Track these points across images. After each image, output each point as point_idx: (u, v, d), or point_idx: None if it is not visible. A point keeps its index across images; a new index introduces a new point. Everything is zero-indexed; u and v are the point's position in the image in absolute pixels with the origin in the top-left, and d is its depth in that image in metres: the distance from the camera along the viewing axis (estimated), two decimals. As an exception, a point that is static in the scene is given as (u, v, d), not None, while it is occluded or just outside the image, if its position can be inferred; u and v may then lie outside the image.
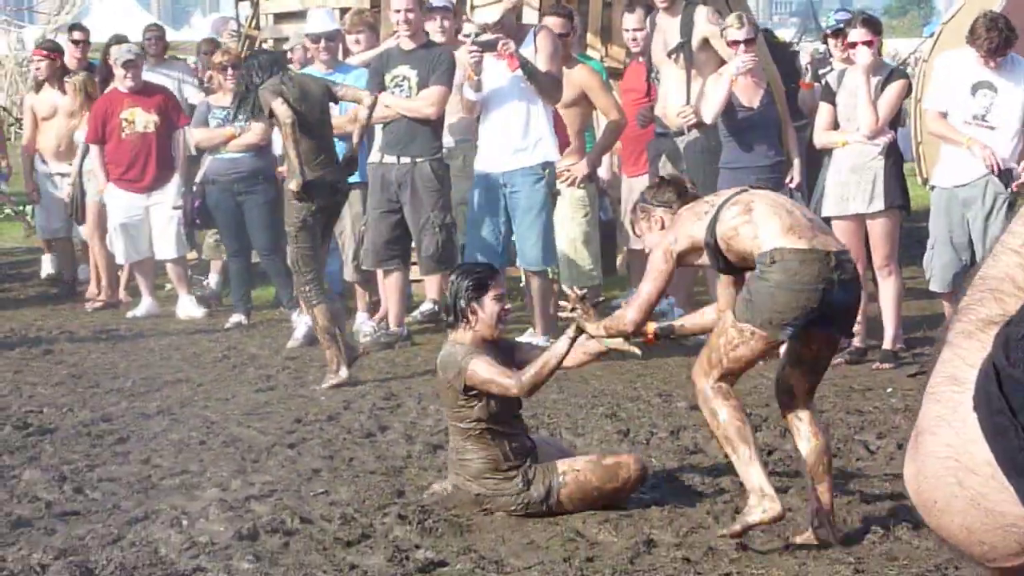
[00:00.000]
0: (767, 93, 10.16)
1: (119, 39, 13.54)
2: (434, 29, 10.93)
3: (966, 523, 1.25)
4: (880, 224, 9.81)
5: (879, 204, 9.73)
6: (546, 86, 10.00)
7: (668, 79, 10.77)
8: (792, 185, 10.26)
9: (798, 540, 6.08)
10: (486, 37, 9.97)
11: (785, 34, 21.13)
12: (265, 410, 8.95)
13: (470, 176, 10.60)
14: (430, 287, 10.80)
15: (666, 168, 10.79)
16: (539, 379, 6.51)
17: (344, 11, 12.47)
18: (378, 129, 10.88)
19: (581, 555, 5.99)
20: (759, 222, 6.00)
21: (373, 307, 11.46)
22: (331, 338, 9.70)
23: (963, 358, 1.27)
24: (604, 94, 10.75)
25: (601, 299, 10.21)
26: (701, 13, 10.55)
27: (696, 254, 6.25)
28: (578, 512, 6.58)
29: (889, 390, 9.11)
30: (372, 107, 9.86)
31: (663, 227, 6.41)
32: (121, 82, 12.54)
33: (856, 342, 10.00)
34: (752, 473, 6.01)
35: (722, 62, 10.23)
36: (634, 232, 6.96)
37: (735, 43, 9.96)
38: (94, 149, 12.69)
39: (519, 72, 9.88)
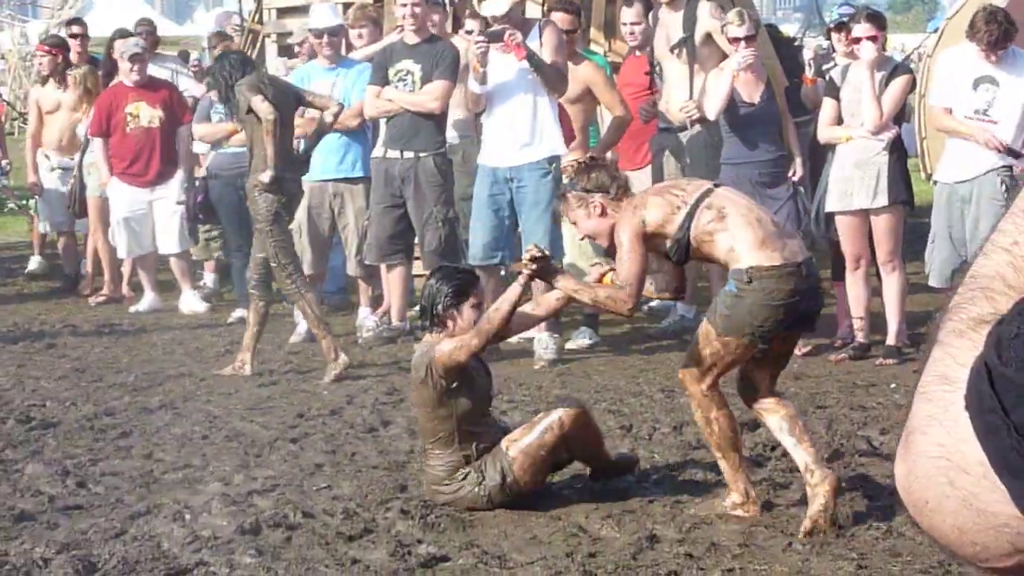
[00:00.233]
0: (767, 88, 10.14)
1: (123, 33, 13.56)
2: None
3: (958, 523, 1.24)
4: (884, 220, 9.80)
5: (883, 200, 9.72)
6: (552, 78, 9.98)
7: (671, 74, 10.77)
8: (795, 179, 10.25)
9: (806, 526, 6.21)
10: (492, 28, 9.96)
11: (789, 29, 21.10)
12: (268, 405, 8.95)
13: (471, 172, 10.58)
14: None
15: (669, 163, 10.79)
16: (493, 325, 6.49)
17: (347, 6, 12.46)
18: (382, 124, 10.88)
19: (584, 550, 5.99)
20: (735, 233, 6.33)
21: (376, 302, 11.45)
22: (325, 326, 9.72)
23: (954, 357, 1.26)
24: (609, 90, 10.73)
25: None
26: (704, 8, 10.53)
27: (658, 241, 6.45)
28: (540, 486, 6.68)
29: (893, 386, 9.11)
30: (336, 115, 10.09)
31: (603, 212, 6.51)
32: (127, 76, 12.54)
33: (860, 338, 10.01)
34: (739, 478, 6.48)
35: (724, 57, 10.22)
36: (568, 219, 6.98)
37: (736, 40, 9.95)
38: (97, 143, 12.69)
39: (525, 65, 9.86)
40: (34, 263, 14.66)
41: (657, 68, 11.10)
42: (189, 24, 44.85)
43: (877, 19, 10.02)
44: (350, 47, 11.78)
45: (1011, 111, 9.52)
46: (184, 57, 17.18)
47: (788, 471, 7.04)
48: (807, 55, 14.26)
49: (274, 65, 13.73)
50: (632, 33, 11.37)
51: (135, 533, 6.25)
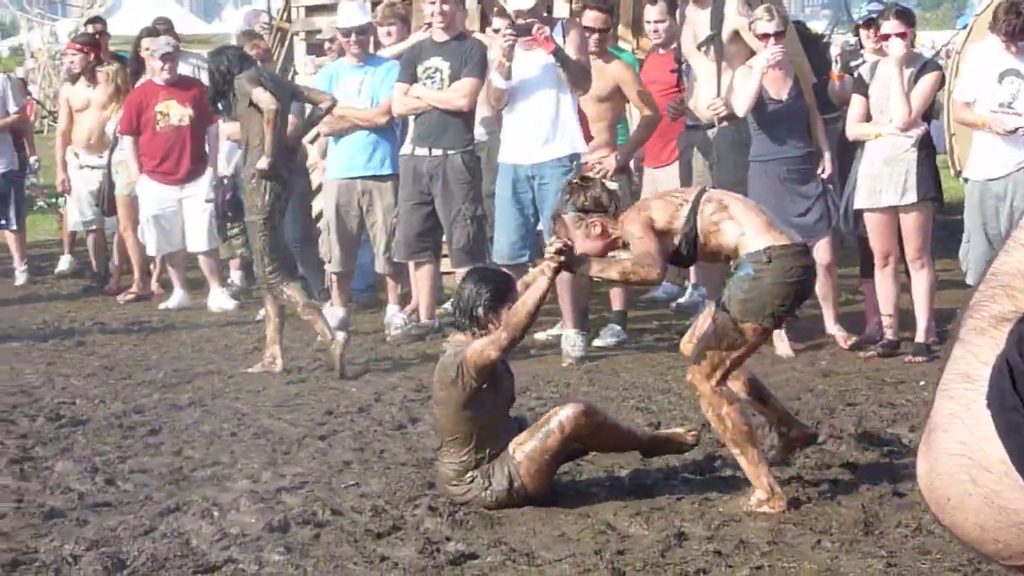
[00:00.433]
0: (795, 85, 10.11)
1: (150, 31, 13.60)
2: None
3: (980, 521, 1.24)
4: (913, 217, 9.78)
5: (912, 196, 9.69)
6: (577, 74, 9.98)
7: (698, 71, 10.75)
8: (824, 176, 10.22)
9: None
10: (520, 22, 9.96)
11: (817, 26, 21.03)
12: (296, 402, 8.97)
13: (495, 169, 10.58)
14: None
15: (696, 160, 10.77)
16: (521, 319, 6.42)
17: (376, 3, 12.47)
18: (410, 121, 10.89)
19: (612, 548, 5.98)
20: (741, 219, 6.47)
21: (404, 299, 11.46)
22: (315, 310, 9.76)
23: (976, 355, 1.26)
24: (639, 88, 10.72)
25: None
26: (731, 5, 10.50)
27: (667, 240, 6.49)
28: (547, 489, 6.60)
29: (922, 383, 9.07)
30: (328, 110, 10.23)
31: (603, 231, 6.51)
32: (158, 74, 12.57)
33: (889, 335, 9.98)
34: (761, 473, 6.44)
35: (752, 54, 10.19)
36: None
37: (764, 36, 9.92)
38: (127, 141, 12.74)
39: (549, 61, 9.86)
40: (64, 262, 14.73)
41: (684, 65, 11.10)
42: (217, 22, 44.91)
43: (906, 16, 9.99)
44: (379, 44, 11.78)
45: (1036, 104, 9.50)
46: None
47: (816, 468, 7.02)
48: (834, 51, 14.21)
49: (302, 63, 13.77)
50: (656, 31, 11.37)
51: (164, 530, 6.26)
